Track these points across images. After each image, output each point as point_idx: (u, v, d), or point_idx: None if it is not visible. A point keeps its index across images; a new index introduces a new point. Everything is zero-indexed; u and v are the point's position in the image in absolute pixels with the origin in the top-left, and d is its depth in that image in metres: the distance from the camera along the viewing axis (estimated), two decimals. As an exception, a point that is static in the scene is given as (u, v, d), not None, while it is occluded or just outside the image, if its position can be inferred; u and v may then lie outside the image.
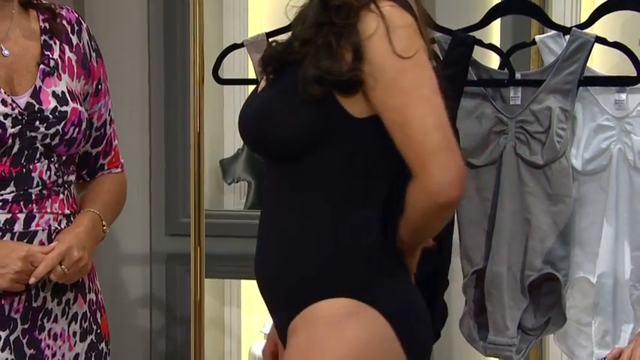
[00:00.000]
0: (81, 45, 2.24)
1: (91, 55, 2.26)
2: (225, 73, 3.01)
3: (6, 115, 2.08)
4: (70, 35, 2.23)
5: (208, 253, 2.94)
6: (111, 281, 3.64)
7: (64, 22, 2.23)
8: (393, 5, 1.93)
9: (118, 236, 3.55)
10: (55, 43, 2.20)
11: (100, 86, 2.28)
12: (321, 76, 1.92)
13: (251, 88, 3.61)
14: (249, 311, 3.83)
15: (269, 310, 2.09)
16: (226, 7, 3.79)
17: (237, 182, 3.76)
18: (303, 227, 1.98)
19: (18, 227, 2.12)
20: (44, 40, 2.19)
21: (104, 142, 2.31)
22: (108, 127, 2.32)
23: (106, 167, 2.34)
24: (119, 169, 2.36)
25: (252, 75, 3.07)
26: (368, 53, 1.91)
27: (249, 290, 3.79)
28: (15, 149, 2.10)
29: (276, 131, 1.95)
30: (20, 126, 2.10)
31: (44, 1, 2.24)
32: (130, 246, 3.71)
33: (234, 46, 2.86)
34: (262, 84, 2.08)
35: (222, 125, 3.79)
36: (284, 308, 2.00)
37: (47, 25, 2.21)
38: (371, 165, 1.98)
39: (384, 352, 1.93)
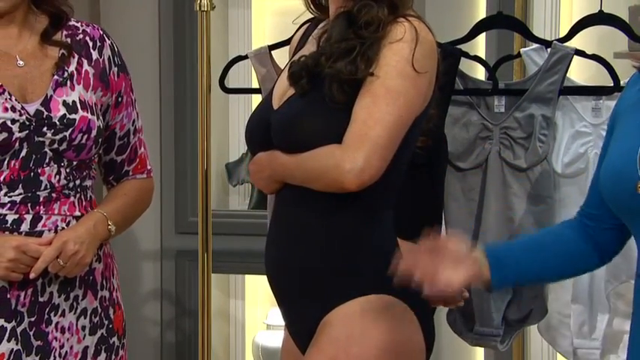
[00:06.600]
0: (100, 60, 2.28)
1: (110, 70, 2.29)
2: (231, 83, 3.02)
3: (14, 121, 2.13)
4: (91, 50, 2.27)
5: (215, 249, 2.97)
6: (124, 276, 3.47)
7: (87, 38, 2.28)
8: (419, 20, 1.96)
9: (131, 234, 3.55)
10: (74, 57, 2.24)
11: (120, 99, 2.30)
12: (338, 78, 1.94)
13: (254, 96, 3.60)
14: (253, 304, 3.88)
15: (282, 299, 2.09)
16: (231, 23, 3.82)
17: (242, 184, 3.81)
18: (335, 225, 2.00)
19: (25, 227, 2.15)
20: (62, 53, 2.23)
21: (128, 150, 2.36)
22: (132, 136, 2.35)
23: (130, 173, 2.37)
24: (144, 175, 2.40)
25: (255, 85, 3.10)
26: (383, 56, 1.92)
27: (253, 284, 3.84)
28: (23, 153, 2.15)
29: (307, 138, 1.97)
30: (27, 131, 2.14)
31: (73, 19, 2.29)
32: (143, 243, 3.74)
33: (239, 58, 2.91)
34: (278, 93, 2.09)
35: (227, 131, 3.83)
36: (312, 299, 2.02)
37: (69, 39, 2.26)
38: (394, 164, 1.97)
39: (414, 344, 2.00)
